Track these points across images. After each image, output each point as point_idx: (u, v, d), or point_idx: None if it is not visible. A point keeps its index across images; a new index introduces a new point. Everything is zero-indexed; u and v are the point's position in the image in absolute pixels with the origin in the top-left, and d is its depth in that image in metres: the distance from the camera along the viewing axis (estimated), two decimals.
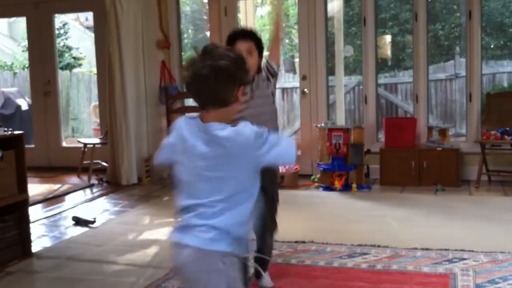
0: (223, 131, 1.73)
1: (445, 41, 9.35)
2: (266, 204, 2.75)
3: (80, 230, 4.33)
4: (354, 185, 5.43)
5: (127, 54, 5.99)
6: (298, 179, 5.82)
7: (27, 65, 9.04)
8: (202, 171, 1.75)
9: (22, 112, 9.09)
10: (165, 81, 6.39)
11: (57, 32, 8.98)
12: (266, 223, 2.87)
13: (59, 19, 10.56)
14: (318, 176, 5.74)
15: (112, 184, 6.12)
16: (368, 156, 5.71)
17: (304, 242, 3.77)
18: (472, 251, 3.46)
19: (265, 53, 3.00)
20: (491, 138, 5.35)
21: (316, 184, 5.71)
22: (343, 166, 5.49)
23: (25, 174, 3.68)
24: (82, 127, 11.03)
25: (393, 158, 5.62)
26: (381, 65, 8.94)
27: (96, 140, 6.75)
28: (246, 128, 1.73)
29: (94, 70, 8.30)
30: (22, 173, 3.66)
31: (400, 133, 5.69)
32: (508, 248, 3.49)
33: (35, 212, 4.79)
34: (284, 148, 1.77)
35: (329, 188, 5.50)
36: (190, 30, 10.98)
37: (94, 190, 5.93)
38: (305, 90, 6.20)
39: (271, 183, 2.86)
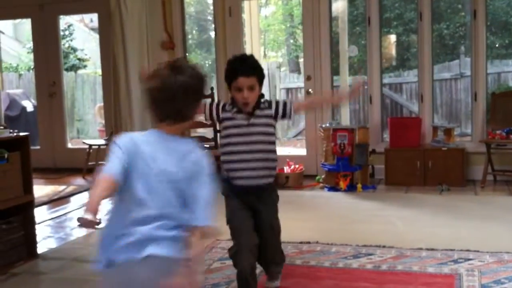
0: (191, 148, 1.83)
1: (450, 40, 9.33)
2: (264, 235, 2.70)
3: (85, 231, 4.34)
4: (359, 185, 5.42)
5: (132, 55, 6.00)
6: (303, 180, 5.81)
7: (32, 67, 9.08)
8: (163, 182, 1.77)
9: (27, 113, 9.13)
10: None
11: (62, 33, 9.01)
12: (267, 255, 2.78)
13: (64, 21, 10.61)
14: (323, 176, 5.73)
15: None
16: (373, 156, 5.70)
17: (309, 242, 3.77)
18: (478, 251, 3.45)
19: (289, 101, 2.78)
20: (496, 137, 5.34)
21: (321, 184, 5.70)
22: (348, 166, 5.48)
23: (30, 175, 3.69)
24: (87, 128, 11.07)
25: (398, 158, 5.61)
26: (386, 65, 8.93)
27: (101, 141, 6.76)
28: (206, 159, 1.85)
29: (99, 71, 8.32)
30: (27, 174, 3.67)
31: (405, 133, 5.68)
32: None
33: (40, 214, 4.81)
34: (206, 203, 1.81)
35: (334, 188, 5.49)
36: (194, 31, 10.99)
37: None
38: (310, 90, 6.19)
39: (269, 210, 2.76)
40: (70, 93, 9.95)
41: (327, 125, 5.76)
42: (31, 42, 7.77)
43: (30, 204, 3.72)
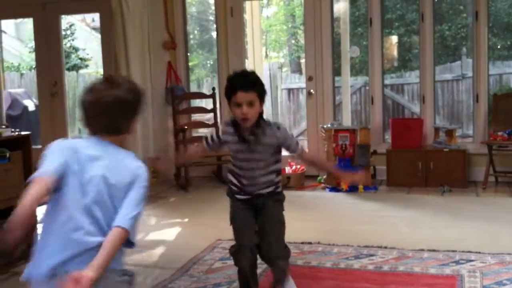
0: (129, 156, 1.89)
1: (451, 41, 9.32)
2: (270, 228, 2.70)
3: None
4: (360, 186, 5.42)
5: (133, 55, 6.00)
6: (304, 180, 5.81)
7: (34, 66, 9.09)
8: (100, 186, 1.80)
9: (29, 113, 9.13)
10: (171, 82, 6.40)
11: (63, 33, 9.02)
12: (273, 251, 2.71)
13: (66, 20, 10.61)
14: (324, 177, 5.73)
15: None
16: (374, 157, 5.70)
17: (310, 243, 3.77)
18: (479, 252, 3.45)
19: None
20: (498, 139, 5.33)
21: (323, 185, 5.70)
22: (350, 167, 5.48)
23: (32, 174, 3.68)
24: None
25: (400, 159, 5.61)
26: (387, 66, 8.93)
27: None
28: (144, 170, 1.90)
29: (101, 71, 8.33)
30: (29, 173, 3.62)
31: (407, 134, 5.68)
32: None
33: (41, 213, 4.79)
34: (132, 209, 1.84)
35: (335, 189, 5.49)
36: (196, 31, 10.99)
37: None
38: (311, 91, 6.19)
39: (275, 205, 2.77)
40: (71, 92, 9.93)
41: (329, 125, 5.76)
42: (33, 42, 7.77)
43: None
